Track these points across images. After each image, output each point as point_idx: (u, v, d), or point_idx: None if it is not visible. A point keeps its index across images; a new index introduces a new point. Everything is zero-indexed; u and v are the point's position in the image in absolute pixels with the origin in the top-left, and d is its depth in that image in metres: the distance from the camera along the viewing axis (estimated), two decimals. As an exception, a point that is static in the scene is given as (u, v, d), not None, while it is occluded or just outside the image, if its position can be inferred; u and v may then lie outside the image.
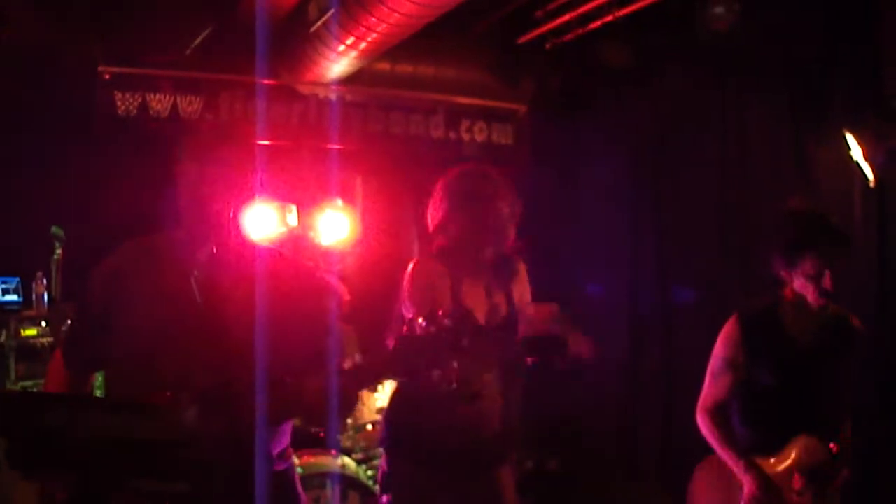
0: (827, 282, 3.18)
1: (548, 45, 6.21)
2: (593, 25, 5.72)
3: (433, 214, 3.41)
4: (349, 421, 5.32)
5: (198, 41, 5.91)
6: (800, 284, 3.26)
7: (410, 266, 3.33)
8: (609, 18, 5.52)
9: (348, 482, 4.83)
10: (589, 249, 6.69)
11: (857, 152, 4.45)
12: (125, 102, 5.93)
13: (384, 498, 3.43)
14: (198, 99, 6.13)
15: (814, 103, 5.06)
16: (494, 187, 3.34)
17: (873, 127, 4.51)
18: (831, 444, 3.24)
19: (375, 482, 4.91)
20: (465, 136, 6.97)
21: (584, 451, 6.53)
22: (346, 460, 5.04)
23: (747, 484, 3.27)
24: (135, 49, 5.92)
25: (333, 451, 5.04)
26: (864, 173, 4.52)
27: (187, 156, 2.20)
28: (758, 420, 3.40)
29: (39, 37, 5.42)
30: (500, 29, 6.29)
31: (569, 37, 6.00)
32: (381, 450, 4.87)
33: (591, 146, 6.81)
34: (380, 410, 5.22)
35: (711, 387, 3.48)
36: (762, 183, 5.40)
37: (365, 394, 5.42)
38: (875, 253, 4.67)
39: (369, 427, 5.39)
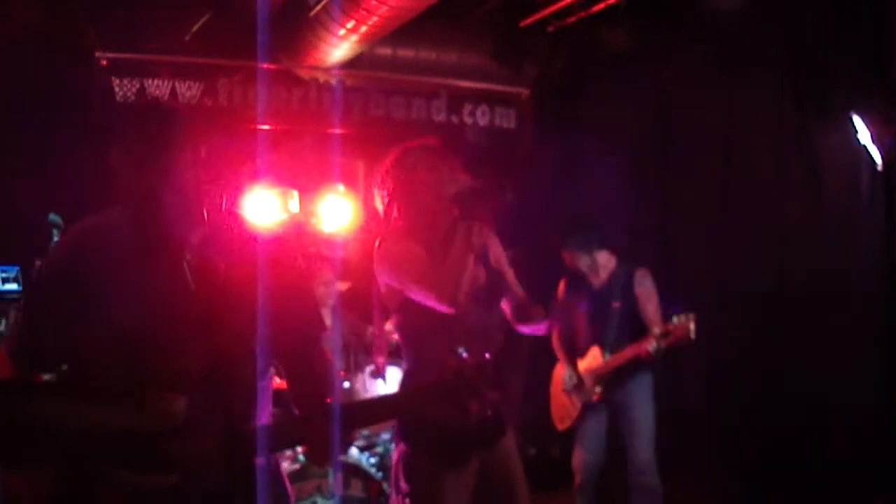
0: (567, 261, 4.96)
1: (550, 29, 6.17)
2: (596, 8, 5.68)
3: (383, 199, 3.37)
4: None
5: (197, 26, 5.85)
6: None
7: (379, 245, 3.27)
8: (612, 1, 5.48)
9: (350, 470, 4.81)
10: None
11: (864, 135, 4.42)
12: (123, 88, 5.88)
13: (405, 487, 3.28)
14: (197, 84, 6.07)
15: (818, 87, 5.02)
16: (433, 158, 3.34)
17: (880, 110, 4.48)
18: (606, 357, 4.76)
19: (378, 469, 4.88)
20: (468, 121, 6.90)
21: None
22: (349, 448, 5.02)
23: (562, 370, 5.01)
24: (133, 34, 5.85)
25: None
26: (871, 156, 4.49)
27: (183, 140, 2.12)
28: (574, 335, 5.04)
29: (36, 22, 5.37)
30: (502, 12, 6.24)
31: (571, 20, 5.96)
32: (383, 436, 4.80)
33: (593, 130, 6.75)
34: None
35: None
36: (766, 167, 5.36)
37: (368, 381, 5.40)
38: (883, 235, 4.66)
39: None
